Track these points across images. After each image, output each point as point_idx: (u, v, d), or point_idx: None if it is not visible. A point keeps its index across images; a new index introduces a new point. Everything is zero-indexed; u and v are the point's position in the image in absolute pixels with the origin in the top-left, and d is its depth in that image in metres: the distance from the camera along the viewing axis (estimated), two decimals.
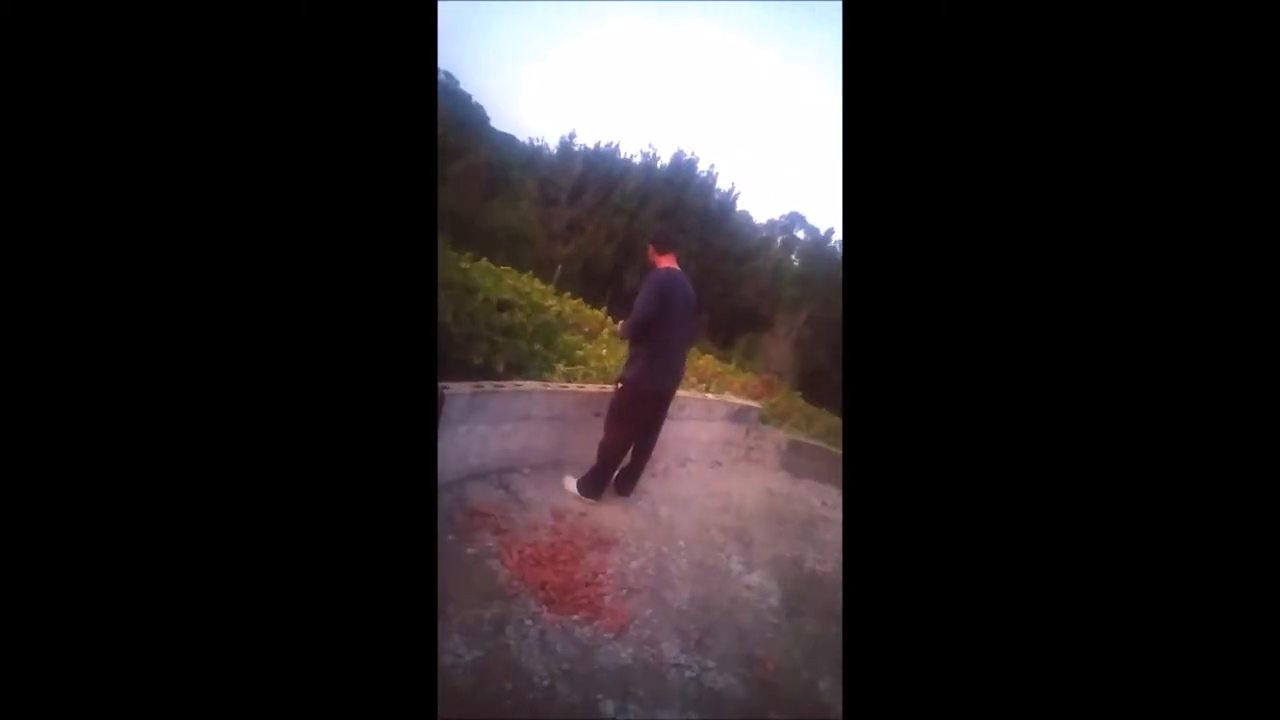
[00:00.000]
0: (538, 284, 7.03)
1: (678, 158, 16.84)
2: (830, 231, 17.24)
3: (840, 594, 2.55)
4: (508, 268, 7.02)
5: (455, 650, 1.58)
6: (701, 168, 16.95)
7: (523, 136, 21.03)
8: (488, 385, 2.34)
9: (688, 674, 1.80)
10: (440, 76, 18.04)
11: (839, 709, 1.84)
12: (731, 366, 8.21)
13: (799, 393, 8.18)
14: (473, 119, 18.79)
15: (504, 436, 2.49)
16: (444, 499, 2.20)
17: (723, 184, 17.35)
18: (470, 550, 2.04)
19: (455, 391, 2.16)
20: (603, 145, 16.90)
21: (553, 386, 2.79)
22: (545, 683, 1.58)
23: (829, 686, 1.93)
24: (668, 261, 2.68)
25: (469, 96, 19.46)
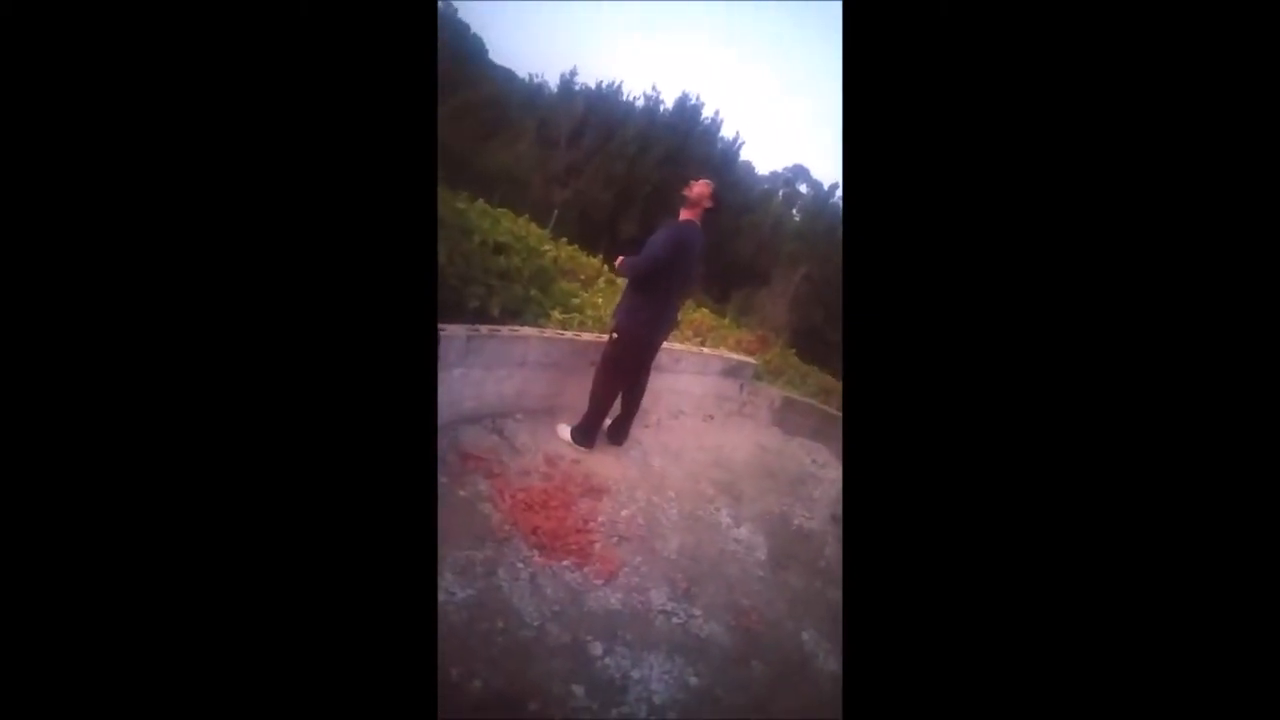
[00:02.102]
0: (534, 228, 6.89)
1: (681, 101, 16.31)
2: (834, 186, 16.86)
3: (825, 549, 2.63)
4: (504, 209, 6.87)
5: (449, 588, 1.60)
6: (706, 114, 16.46)
7: (522, 72, 20.22)
8: (484, 329, 2.30)
9: (675, 620, 1.84)
10: (439, 4, 17.20)
11: (821, 660, 1.90)
12: (726, 321, 8.19)
13: (793, 350, 8.20)
14: (471, 51, 18.00)
15: (499, 381, 2.47)
16: (438, 442, 2.19)
17: (726, 132, 16.91)
18: (462, 493, 2.04)
19: (451, 335, 2.12)
20: (604, 85, 16.32)
21: (549, 333, 2.75)
22: (536, 623, 1.61)
23: (811, 638, 1.99)
24: (692, 213, 2.61)
25: (468, 26, 18.59)
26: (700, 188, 2.63)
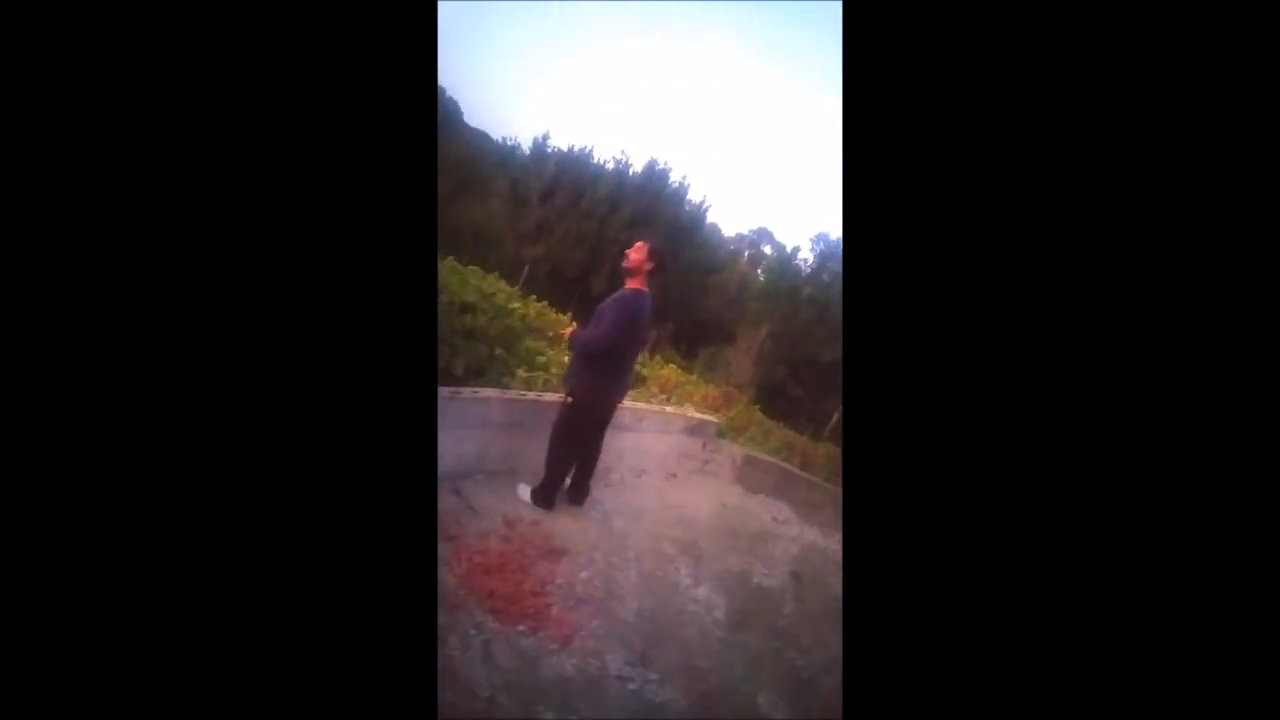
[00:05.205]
0: (503, 285, 6.99)
1: (650, 166, 16.93)
2: (796, 249, 17.52)
3: (784, 608, 2.65)
4: (474, 267, 6.98)
5: None
6: (674, 178, 17.12)
7: (496, 135, 20.82)
8: (444, 391, 2.33)
9: (630, 686, 1.82)
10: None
11: None
12: (694, 378, 8.31)
13: (757, 406, 8.33)
14: (446, 113, 18.58)
15: (458, 442, 2.48)
16: None
17: (694, 195, 17.61)
18: None
19: None
20: (576, 149, 16.91)
21: (511, 394, 2.79)
22: (485, 694, 1.59)
23: (767, 700, 1.98)
24: (636, 280, 2.57)
25: (444, 90, 19.25)
26: (636, 254, 2.56)
